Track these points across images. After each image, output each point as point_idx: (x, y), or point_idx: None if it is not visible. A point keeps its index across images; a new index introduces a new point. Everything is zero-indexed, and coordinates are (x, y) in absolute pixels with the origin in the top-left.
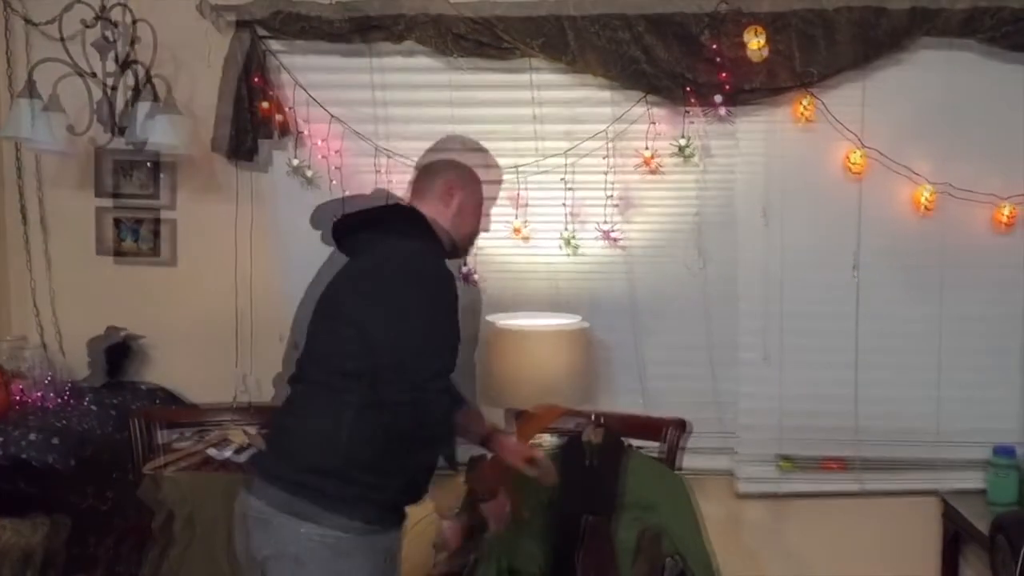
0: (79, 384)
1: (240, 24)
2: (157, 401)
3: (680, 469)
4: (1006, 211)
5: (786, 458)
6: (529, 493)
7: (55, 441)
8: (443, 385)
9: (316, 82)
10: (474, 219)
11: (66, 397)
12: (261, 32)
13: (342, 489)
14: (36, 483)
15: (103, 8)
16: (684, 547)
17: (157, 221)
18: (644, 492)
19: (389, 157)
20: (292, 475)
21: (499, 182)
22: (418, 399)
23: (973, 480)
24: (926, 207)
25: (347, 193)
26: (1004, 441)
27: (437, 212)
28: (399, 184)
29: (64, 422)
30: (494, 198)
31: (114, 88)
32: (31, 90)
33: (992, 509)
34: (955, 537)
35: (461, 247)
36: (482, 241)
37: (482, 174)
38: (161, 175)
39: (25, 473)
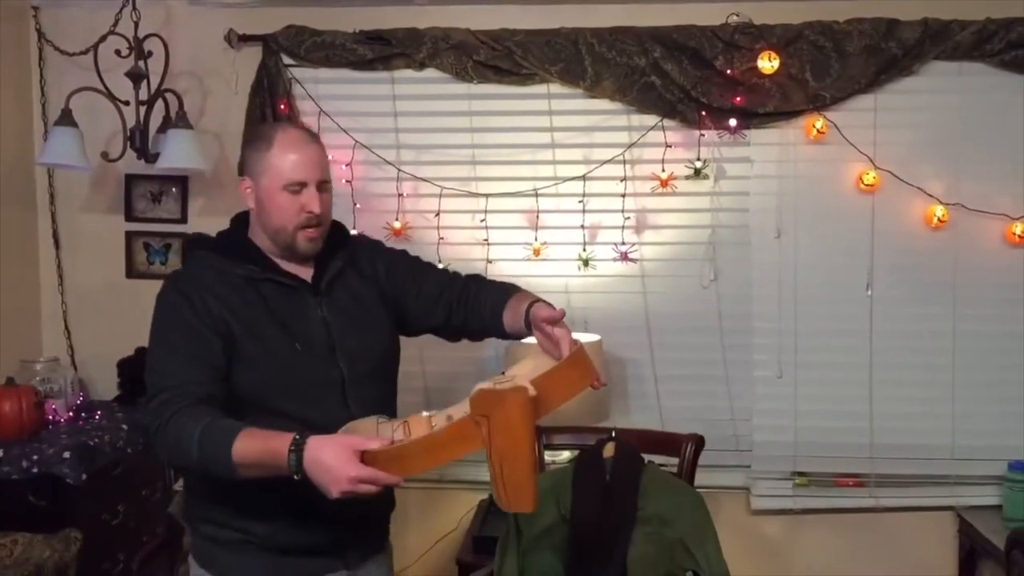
0: (109, 403)
1: (266, 52)
2: None
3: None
4: (1018, 230)
5: (801, 474)
6: (547, 507)
7: (87, 458)
8: (161, 401)
9: (339, 108)
10: (275, 205)
11: (97, 416)
12: (287, 60)
13: (220, 533)
14: (67, 499)
15: (136, 39)
16: (701, 562)
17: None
18: (661, 507)
19: (403, 177)
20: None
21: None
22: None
23: (988, 496)
24: (940, 220)
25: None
26: (1019, 457)
27: (253, 216)
28: (418, 206)
29: (95, 440)
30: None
31: (147, 116)
32: (67, 119)
33: (1008, 524)
34: (971, 553)
35: (288, 241)
36: (498, 260)
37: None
38: (189, 199)
39: (58, 489)
